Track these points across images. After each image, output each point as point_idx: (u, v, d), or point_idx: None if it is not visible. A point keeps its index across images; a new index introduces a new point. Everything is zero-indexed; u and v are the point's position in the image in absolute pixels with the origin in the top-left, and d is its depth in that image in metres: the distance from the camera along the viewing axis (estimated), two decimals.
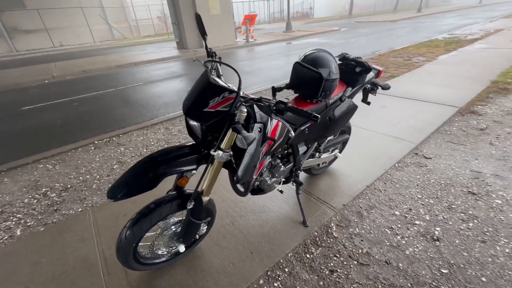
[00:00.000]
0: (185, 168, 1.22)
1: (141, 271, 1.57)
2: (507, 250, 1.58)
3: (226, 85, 1.13)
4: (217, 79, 1.15)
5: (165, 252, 1.52)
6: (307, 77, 1.31)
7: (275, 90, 1.46)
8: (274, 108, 1.08)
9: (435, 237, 1.71)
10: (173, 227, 1.44)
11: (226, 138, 1.19)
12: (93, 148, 3.36)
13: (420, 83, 4.71)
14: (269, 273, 1.57)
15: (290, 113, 1.08)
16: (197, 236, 1.58)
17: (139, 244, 1.34)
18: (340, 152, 2.34)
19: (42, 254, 1.80)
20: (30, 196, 2.51)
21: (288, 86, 1.43)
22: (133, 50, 13.76)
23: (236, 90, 1.09)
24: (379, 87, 1.99)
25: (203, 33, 1.32)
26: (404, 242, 1.70)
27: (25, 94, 6.47)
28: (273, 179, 1.70)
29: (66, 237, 1.94)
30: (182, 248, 1.45)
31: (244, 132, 1.08)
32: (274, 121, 1.36)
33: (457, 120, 3.26)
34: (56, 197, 2.47)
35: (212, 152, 1.16)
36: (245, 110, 1.12)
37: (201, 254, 1.70)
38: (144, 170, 1.15)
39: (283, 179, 1.87)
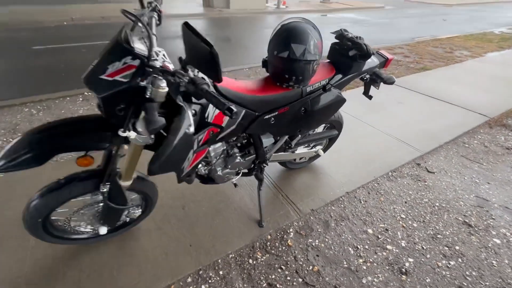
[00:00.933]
0: (90, 145, 1.01)
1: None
2: None
3: (140, 48, 0.85)
4: (134, 39, 0.87)
5: (88, 230, 1.38)
6: (196, 48, 0.83)
7: (182, 62, 0.97)
8: (185, 88, 0.80)
9: (403, 270, 1.45)
10: (93, 206, 1.27)
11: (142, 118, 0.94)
12: (81, 99, 3.25)
13: (454, 81, 4.08)
14: (201, 272, 1.41)
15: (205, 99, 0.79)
16: (127, 219, 1.42)
17: (52, 217, 1.20)
18: (324, 150, 2.03)
19: None
20: (4, 139, 2.47)
21: (186, 60, 0.96)
22: None
23: (145, 55, 0.81)
24: (382, 80, 1.61)
25: None
26: (365, 267, 1.46)
27: (41, 33, 6.43)
28: (226, 170, 1.47)
29: (16, 190, 1.86)
30: (103, 230, 1.29)
31: (153, 114, 0.83)
32: None
33: (482, 132, 2.77)
34: None
35: (120, 133, 0.92)
36: (164, 85, 0.86)
37: (138, 235, 1.56)
38: (34, 142, 0.95)
39: (243, 171, 1.63)
